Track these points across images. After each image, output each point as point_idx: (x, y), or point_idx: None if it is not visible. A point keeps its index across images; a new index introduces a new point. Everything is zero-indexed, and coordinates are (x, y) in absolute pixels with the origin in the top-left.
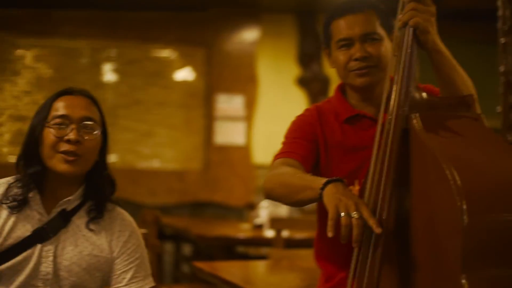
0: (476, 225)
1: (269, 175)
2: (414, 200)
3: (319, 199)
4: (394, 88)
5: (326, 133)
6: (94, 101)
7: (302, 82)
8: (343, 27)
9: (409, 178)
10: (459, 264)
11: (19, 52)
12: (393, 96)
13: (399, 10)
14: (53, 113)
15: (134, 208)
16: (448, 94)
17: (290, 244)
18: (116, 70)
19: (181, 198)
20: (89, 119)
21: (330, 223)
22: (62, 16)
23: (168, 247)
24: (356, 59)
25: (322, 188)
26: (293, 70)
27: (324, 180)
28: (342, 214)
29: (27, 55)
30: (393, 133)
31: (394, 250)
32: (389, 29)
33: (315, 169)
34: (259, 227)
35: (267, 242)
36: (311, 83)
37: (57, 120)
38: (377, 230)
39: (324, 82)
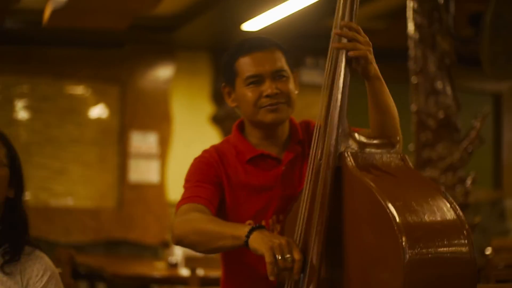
0: (415, 261)
1: (178, 221)
2: (348, 238)
3: (243, 246)
4: (328, 124)
5: (230, 173)
6: (2, 139)
7: (216, 120)
8: (252, 64)
9: (342, 216)
10: None
11: None
12: (326, 133)
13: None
14: None
15: (48, 247)
16: (384, 122)
17: (206, 282)
18: (29, 107)
19: (95, 236)
20: None
21: (269, 267)
22: None
23: (83, 286)
24: (267, 96)
25: (248, 236)
26: (207, 107)
27: (247, 227)
28: (279, 257)
29: None
30: (326, 170)
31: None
32: (292, 68)
33: (220, 211)
34: (174, 265)
35: (183, 281)
36: (225, 121)
37: None
38: (296, 276)
39: (237, 120)
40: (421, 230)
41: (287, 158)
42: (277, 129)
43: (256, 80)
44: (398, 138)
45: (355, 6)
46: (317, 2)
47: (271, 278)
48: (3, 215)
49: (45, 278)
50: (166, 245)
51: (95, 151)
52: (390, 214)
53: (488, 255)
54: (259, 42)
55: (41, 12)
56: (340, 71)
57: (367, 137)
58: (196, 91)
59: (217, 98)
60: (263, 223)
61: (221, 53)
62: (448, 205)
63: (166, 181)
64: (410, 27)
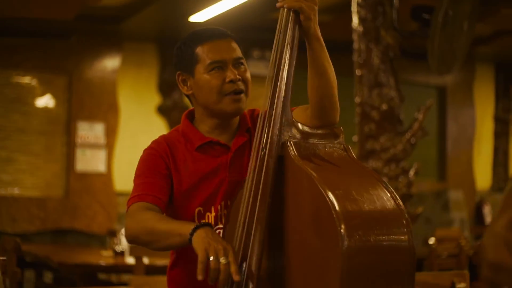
0: (354, 248)
1: (130, 222)
2: (289, 225)
3: (188, 244)
4: (272, 114)
5: (179, 162)
6: None
7: (163, 111)
8: (214, 50)
9: (283, 204)
10: (337, 287)
11: None
12: (270, 123)
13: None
14: None
15: None
16: (321, 87)
17: (151, 270)
18: None
19: (42, 225)
20: None
21: (200, 266)
22: None
23: (29, 274)
24: (231, 81)
25: (191, 234)
26: (154, 98)
27: (192, 225)
28: (211, 258)
29: None
30: (268, 159)
31: (269, 277)
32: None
33: (171, 200)
34: (121, 254)
35: (129, 269)
36: (171, 111)
37: None
38: (236, 277)
39: (184, 111)
40: (360, 218)
41: (235, 145)
42: (232, 118)
43: (220, 65)
44: (341, 129)
45: None
46: None
47: (199, 277)
48: None
49: None
50: (113, 234)
51: (42, 141)
52: (329, 202)
53: (431, 244)
54: (219, 31)
55: None
56: (285, 62)
57: (311, 127)
58: (143, 82)
59: (164, 89)
60: (212, 209)
61: (168, 44)
62: (388, 194)
63: (113, 171)
64: (355, 20)
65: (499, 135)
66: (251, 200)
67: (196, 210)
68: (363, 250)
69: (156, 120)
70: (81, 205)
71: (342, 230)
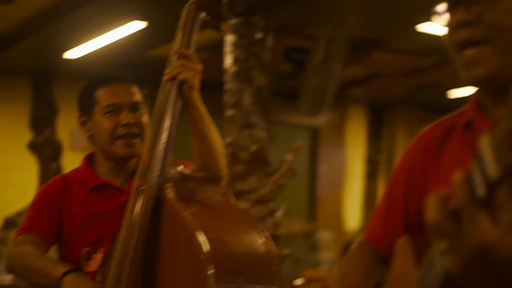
0: None
1: (12, 252)
2: (163, 267)
3: (57, 287)
4: (153, 156)
5: (72, 201)
6: None
7: (34, 147)
8: (111, 93)
9: (158, 246)
10: None
11: None
12: (151, 164)
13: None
14: None
15: None
16: (204, 153)
17: None
18: None
19: None
20: None
21: None
22: None
23: None
24: (124, 125)
25: (60, 279)
26: (26, 134)
27: (62, 269)
28: None
29: None
30: (146, 200)
31: None
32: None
33: (59, 239)
34: None
35: None
36: (43, 148)
37: None
38: None
39: (56, 148)
40: (230, 262)
41: (129, 189)
42: (127, 162)
43: (114, 109)
44: (221, 173)
45: (191, 36)
46: (138, 32)
47: None
48: None
49: None
50: None
51: None
52: (199, 245)
53: (299, 285)
54: (119, 75)
55: None
56: (170, 104)
57: (192, 171)
58: (15, 117)
59: (36, 125)
60: (100, 251)
61: (42, 80)
62: (261, 240)
63: None
64: (227, 60)
65: (370, 176)
66: (126, 240)
67: (86, 250)
68: None
69: (26, 156)
70: None
71: (209, 273)
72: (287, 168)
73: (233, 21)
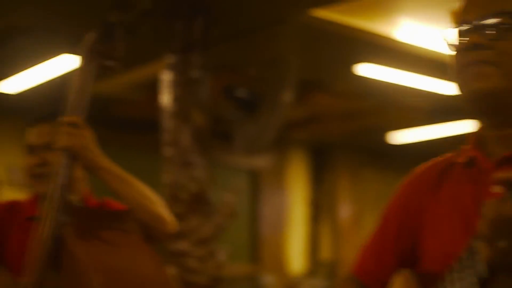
0: None
1: None
2: None
3: None
4: (52, 195)
5: (10, 226)
6: None
7: None
8: (32, 134)
9: (61, 280)
10: None
11: None
12: (51, 204)
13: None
14: None
15: None
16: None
17: None
18: None
19: None
20: None
21: None
22: None
23: None
24: (35, 165)
25: None
26: None
27: None
28: None
29: None
30: (46, 238)
31: None
32: None
33: None
34: None
35: None
36: None
37: None
38: None
39: None
40: None
41: None
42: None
43: (30, 150)
44: (128, 212)
45: (83, 95)
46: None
47: None
48: None
49: None
50: None
51: None
52: (91, 280)
53: None
54: (46, 114)
55: None
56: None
57: (98, 208)
58: None
59: None
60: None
61: None
62: (161, 276)
63: None
64: (164, 99)
65: (312, 219)
66: (30, 277)
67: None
68: None
69: None
70: None
71: None
72: (228, 209)
73: (169, 59)
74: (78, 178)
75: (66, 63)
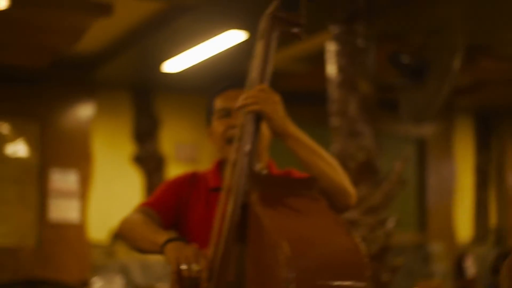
0: None
1: (124, 218)
2: (249, 269)
3: (160, 253)
4: (238, 164)
5: (192, 197)
6: None
7: (138, 160)
8: (223, 99)
9: (246, 248)
10: None
11: None
12: (236, 172)
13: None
14: None
15: None
16: (320, 178)
17: None
18: None
19: (14, 275)
20: None
21: (172, 276)
22: None
23: None
24: (235, 126)
25: (163, 245)
26: (129, 147)
27: (165, 237)
28: (183, 266)
29: None
30: (233, 206)
31: None
32: None
33: (173, 225)
34: None
35: None
36: (146, 161)
37: None
38: (204, 285)
39: (159, 160)
40: (313, 264)
41: None
42: None
43: (225, 113)
44: (315, 179)
45: (268, 61)
46: (237, 45)
47: (175, 287)
48: None
49: None
50: (85, 285)
51: (14, 189)
52: (279, 247)
53: None
54: (231, 82)
55: None
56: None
57: (282, 177)
58: (117, 130)
59: (139, 137)
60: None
61: (142, 93)
62: (350, 242)
63: (87, 220)
64: (331, 69)
65: (480, 187)
66: (216, 248)
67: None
68: None
69: (130, 168)
70: (53, 255)
71: (290, 275)
72: (396, 178)
73: (334, 29)
74: (264, 146)
75: (229, 39)
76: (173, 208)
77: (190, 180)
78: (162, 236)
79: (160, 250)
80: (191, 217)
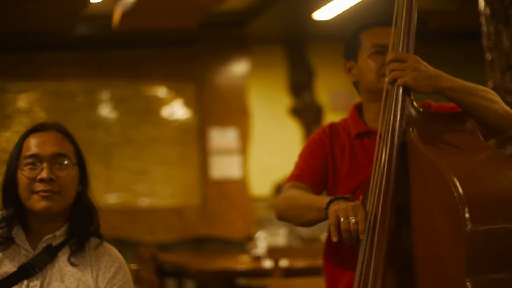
0: (478, 231)
1: (279, 198)
2: (415, 210)
3: (325, 218)
4: (391, 103)
5: (336, 150)
6: (66, 135)
7: (295, 112)
8: (377, 35)
9: (409, 189)
10: (462, 268)
11: (9, 96)
12: (391, 112)
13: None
14: (24, 153)
15: (133, 247)
16: (485, 121)
17: (290, 273)
18: (107, 109)
19: (180, 234)
20: (61, 155)
21: (331, 228)
22: (49, 59)
23: (171, 283)
24: (383, 65)
25: (326, 208)
26: (285, 100)
27: (327, 199)
28: (342, 219)
29: (18, 99)
30: (391, 147)
31: (398, 256)
32: None
33: (325, 184)
34: (258, 258)
35: (267, 273)
36: (304, 112)
37: (28, 160)
38: (362, 236)
39: (317, 111)
40: (485, 200)
41: None
42: None
43: (381, 50)
44: (468, 115)
45: (410, 39)
46: None
47: (334, 239)
48: (72, 210)
49: (113, 269)
50: (251, 239)
51: (175, 150)
52: (451, 185)
53: None
54: (383, 19)
55: (110, 16)
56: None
57: (435, 112)
58: (273, 84)
59: (295, 90)
60: (361, 197)
61: (295, 44)
62: None
63: (248, 176)
64: (481, 3)
65: None
66: (377, 189)
67: (345, 195)
68: (488, 235)
69: (288, 121)
70: (218, 212)
71: (466, 214)
72: None
73: None
74: None
75: None
76: (321, 171)
77: (330, 134)
78: (323, 200)
79: (324, 215)
80: (338, 171)
